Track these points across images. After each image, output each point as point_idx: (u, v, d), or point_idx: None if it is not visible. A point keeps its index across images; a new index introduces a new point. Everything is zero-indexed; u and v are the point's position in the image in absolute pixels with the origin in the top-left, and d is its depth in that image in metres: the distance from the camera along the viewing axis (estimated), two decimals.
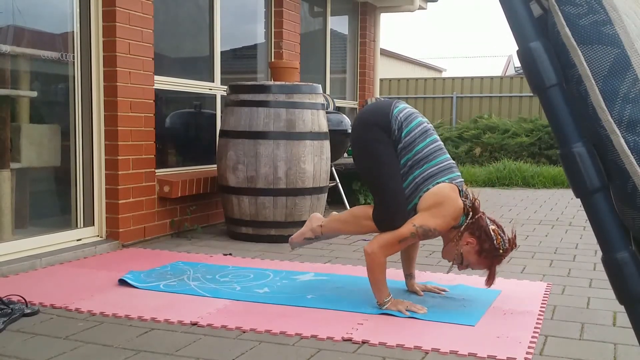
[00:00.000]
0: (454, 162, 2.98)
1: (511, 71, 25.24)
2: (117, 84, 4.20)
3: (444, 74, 24.04)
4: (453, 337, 2.58)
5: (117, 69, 4.19)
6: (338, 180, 6.02)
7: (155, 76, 4.56)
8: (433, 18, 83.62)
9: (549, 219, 5.97)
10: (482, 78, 13.08)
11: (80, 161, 4.22)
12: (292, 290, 3.25)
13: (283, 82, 4.77)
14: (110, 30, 4.18)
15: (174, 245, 4.47)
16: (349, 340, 2.53)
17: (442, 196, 2.82)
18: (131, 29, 4.28)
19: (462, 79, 13.27)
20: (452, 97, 12.97)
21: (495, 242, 2.81)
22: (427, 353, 2.41)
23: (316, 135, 4.69)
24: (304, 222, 4.67)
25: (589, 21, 1.03)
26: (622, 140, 1.01)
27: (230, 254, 4.17)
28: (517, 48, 1.09)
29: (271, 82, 4.73)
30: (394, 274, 3.43)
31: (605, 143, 1.03)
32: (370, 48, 8.49)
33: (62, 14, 4.14)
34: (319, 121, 4.73)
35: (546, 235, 5.08)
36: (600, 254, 1.35)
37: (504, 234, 2.87)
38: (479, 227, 2.82)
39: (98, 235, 4.30)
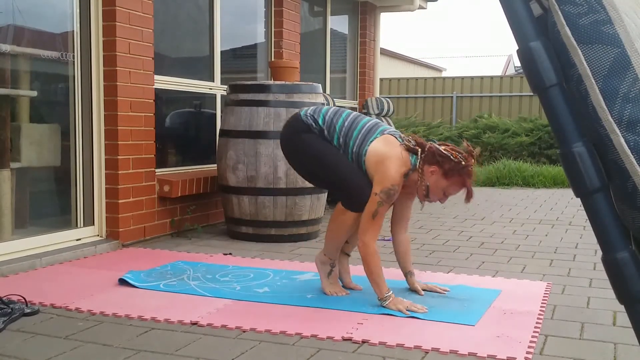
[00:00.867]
0: (379, 120, 3.07)
1: (511, 71, 25.20)
2: (117, 83, 4.20)
3: (444, 74, 24.03)
4: (453, 336, 2.58)
5: (117, 68, 4.19)
6: None
7: (155, 76, 4.56)
8: (433, 18, 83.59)
9: (549, 219, 5.96)
10: (482, 77, 13.08)
11: (80, 161, 4.22)
12: (292, 290, 3.25)
13: (283, 82, 4.76)
14: (110, 29, 4.18)
15: (174, 244, 4.47)
16: (349, 339, 2.53)
17: (378, 154, 2.94)
18: (131, 29, 4.28)
19: (462, 78, 13.26)
20: (452, 97, 12.97)
21: (452, 157, 2.89)
22: (427, 353, 2.41)
23: None
24: (304, 221, 4.70)
25: (589, 21, 1.03)
26: (622, 140, 1.00)
27: (230, 254, 4.17)
28: (517, 47, 1.09)
29: (271, 82, 4.72)
30: (394, 274, 3.43)
31: (606, 142, 1.02)
32: (370, 48, 8.49)
33: (62, 14, 4.14)
34: None
35: (546, 235, 5.08)
36: (600, 253, 1.34)
37: (458, 147, 2.98)
38: (432, 154, 2.92)
39: (98, 235, 4.30)
